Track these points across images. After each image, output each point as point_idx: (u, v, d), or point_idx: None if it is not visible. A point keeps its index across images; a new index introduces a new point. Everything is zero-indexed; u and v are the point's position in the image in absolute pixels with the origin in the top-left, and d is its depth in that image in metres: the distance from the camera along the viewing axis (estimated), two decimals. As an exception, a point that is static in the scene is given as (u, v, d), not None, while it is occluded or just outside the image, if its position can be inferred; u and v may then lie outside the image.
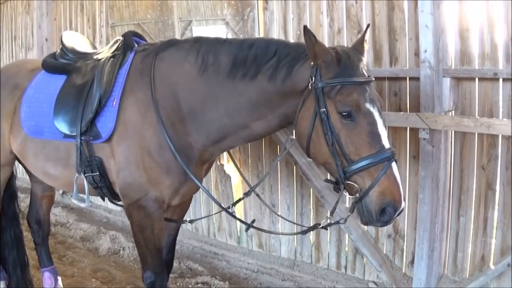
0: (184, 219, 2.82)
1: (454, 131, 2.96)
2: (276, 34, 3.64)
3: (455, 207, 3.05)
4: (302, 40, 1.98)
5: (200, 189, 2.45)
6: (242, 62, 2.18)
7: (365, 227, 3.41)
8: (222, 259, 4.06)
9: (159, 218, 2.40)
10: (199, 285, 3.64)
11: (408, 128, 3.12)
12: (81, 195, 2.54)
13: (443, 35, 2.85)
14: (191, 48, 2.34)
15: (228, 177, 4.13)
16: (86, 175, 2.43)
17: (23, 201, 4.50)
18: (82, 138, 2.38)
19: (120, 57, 2.48)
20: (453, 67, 2.91)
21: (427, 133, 2.89)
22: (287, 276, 3.72)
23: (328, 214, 2.19)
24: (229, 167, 4.12)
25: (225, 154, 3.64)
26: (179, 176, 2.33)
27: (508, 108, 2.75)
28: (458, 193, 3.03)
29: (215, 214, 4.00)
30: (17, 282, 3.19)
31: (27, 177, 3.34)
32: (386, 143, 1.93)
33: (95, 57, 2.62)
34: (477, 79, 2.85)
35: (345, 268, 3.59)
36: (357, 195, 1.93)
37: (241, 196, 2.59)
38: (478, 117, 2.79)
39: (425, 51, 2.84)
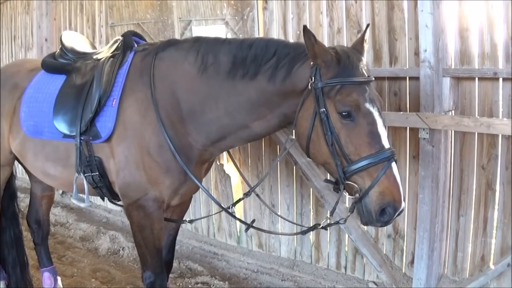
0: (183, 219, 2.82)
1: (454, 131, 2.96)
2: (275, 34, 3.64)
3: (455, 207, 3.05)
4: (302, 40, 1.98)
5: (200, 189, 2.45)
6: (242, 62, 2.17)
7: (365, 227, 3.41)
8: (222, 259, 4.06)
9: (158, 218, 2.40)
10: (199, 285, 3.64)
11: (408, 128, 3.12)
12: (81, 195, 2.53)
13: (443, 34, 2.85)
14: (191, 48, 2.34)
15: (228, 177, 4.12)
16: (85, 175, 2.43)
17: (23, 201, 4.50)
18: (82, 138, 2.38)
19: (119, 57, 2.48)
20: (453, 67, 2.90)
21: (427, 133, 2.89)
22: (287, 276, 3.72)
23: (328, 214, 2.18)
24: (229, 167, 4.12)
25: (225, 154, 3.64)
26: (179, 176, 2.32)
27: (508, 107, 2.75)
28: (458, 193, 3.03)
29: (215, 214, 4.01)
30: (17, 282, 3.19)
31: (27, 177, 3.34)
32: (386, 143, 1.93)
33: (94, 57, 2.62)
34: (477, 78, 2.85)
35: (345, 268, 3.59)
36: (357, 195, 1.93)
37: (241, 196, 2.59)
38: (478, 117, 2.79)
39: (425, 50, 2.83)
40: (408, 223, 3.24)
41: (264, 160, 3.89)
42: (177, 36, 4.09)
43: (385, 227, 3.29)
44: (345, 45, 2.63)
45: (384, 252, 3.39)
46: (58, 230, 4.81)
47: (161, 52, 2.40)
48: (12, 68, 3.01)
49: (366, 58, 2.19)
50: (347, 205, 3.28)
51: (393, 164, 1.91)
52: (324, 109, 1.95)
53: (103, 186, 2.48)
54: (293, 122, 2.11)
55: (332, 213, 2.17)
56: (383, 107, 2.10)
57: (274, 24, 3.65)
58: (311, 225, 2.52)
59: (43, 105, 2.56)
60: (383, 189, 1.87)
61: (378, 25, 3.14)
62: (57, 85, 2.58)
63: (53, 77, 2.65)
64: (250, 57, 2.16)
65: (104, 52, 2.61)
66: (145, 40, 2.70)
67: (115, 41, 2.62)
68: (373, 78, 2.05)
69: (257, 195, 2.66)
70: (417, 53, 2.96)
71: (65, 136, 2.44)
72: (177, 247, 3.43)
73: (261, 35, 3.70)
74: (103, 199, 2.66)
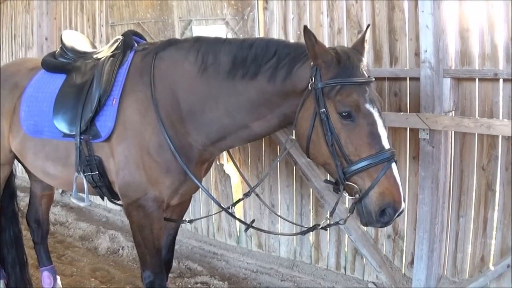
0: (183, 219, 2.82)
1: (454, 132, 2.96)
2: (276, 34, 3.63)
3: (455, 207, 3.05)
4: (302, 40, 1.98)
5: (200, 189, 2.45)
6: (242, 62, 2.17)
7: (365, 227, 3.41)
8: (222, 259, 4.06)
9: (158, 217, 2.40)
10: (198, 285, 3.64)
11: (408, 129, 3.12)
12: (81, 194, 2.53)
13: (443, 35, 2.85)
14: (191, 47, 2.33)
15: (227, 177, 4.12)
16: (85, 174, 2.43)
17: (22, 200, 4.50)
18: (82, 137, 2.38)
19: (119, 57, 2.48)
20: (453, 68, 2.90)
21: (427, 134, 2.89)
22: (286, 276, 3.72)
23: (328, 215, 2.18)
24: (229, 167, 4.12)
25: (225, 154, 3.64)
26: (179, 176, 2.32)
27: (508, 108, 2.75)
28: (458, 193, 3.03)
29: (214, 214, 4.00)
30: (16, 281, 3.19)
31: (27, 176, 3.34)
32: (386, 144, 1.93)
33: (94, 56, 2.62)
34: (477, 79, 2.84)
35: (345, 268, 3.59)
36: (357, 196, 1.93)
37: (241, 196, 2.59)
38: (478, 118, 2.79)
39: (425, 51, 2.83)
40: (408, 223, 3.24)
41: (264, 160, 3.89)
42: (177, 36, 4.08)
43: (385, 228, 3.29)
44: (346, 46, 2.63)
45: (384, 253, 3.39)
46: (58, 229, 4.81)
47: (161, 52, 2.40)
48: (12, 67, 3.01)
49: (367, 59, 2.18)
50: (347, 205, 3.28)
51: (393, 165, 1.91)
52: (324, 110, 1.95)
53: (103, 186, 2.48)
54: (293, 123, 2.10)
55: (332, 214, 2.17)
56: (383, 107, 2.10)
57: (274, 24, 3.65)
58: (311, 226, 2.51)
59: (43, 104, 2.56)
60: (383, 190, 1.87)
61: (379, 25, 3.13)
62: (57, 84, 2.58)
63: (53, 76, 2.65)
64: (250, 57, 2.16)
65: (104, 51, 2.61)
66: (145, 40, 2.70)
67: (115, 41, 2.61)
68: (373, 79, 2.05)
69: (257, 195, 2.66)
70: (417, 54, 2.96)
71: (65, 135, 2.44)
72: (176, 247, 3.43)
73: (262, 35, 3.70)
74: (102, 199, 2.66)
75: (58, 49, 2.77)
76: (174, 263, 3.74)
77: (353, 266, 3.54)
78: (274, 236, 3.91)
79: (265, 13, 3.70)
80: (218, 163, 4.12)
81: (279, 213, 3.69)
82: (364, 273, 3.49)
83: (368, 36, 2.13)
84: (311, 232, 2.76)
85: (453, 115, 2.92)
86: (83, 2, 5.20)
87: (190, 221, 2.71)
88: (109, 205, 5.03)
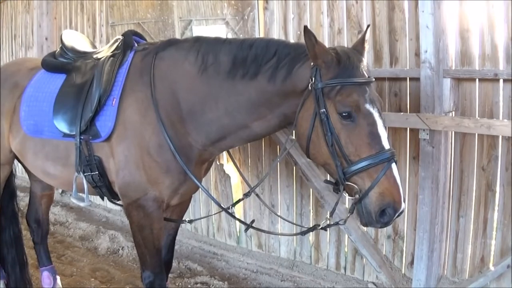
0: (183, 219, 2.82)
1: (454, 132, 2.96)
2: (276, 34, 3.63)
3: (455, 208, 3.05)
4: (302, 40, 1.97)
5: (200, 189, 2.44)
6: (242, 62, 2.17)
7: (365, 228, 3.41)
8: (221, 259, 4.06)
9: (158, 217, 2.40)
10: (198, 285, 3.64)
11: (408, 129, 3.12)
12: (81, 194, 2.53)
13: (443, 35, 2.85)
14: (191, 47, 2.33)
15: (227, 177, 4.12)
16: (85, 174, 2.43)
17: (22, 200, 4.50)
18: (82, 137, 2.38)
19: (120, 57, 2.48)
20: (453, 68, 2.90)
21: (427, 134, 2.89)
22: (286, 276, 3.71)
23: (328, 215, 2.18)
24: (229, 167, 4.12)
25: (225, 154, 3.64)
26: (179, 176, 2.32)
27: (508, 109, 2.74)
28: (458, 194, 3.02)
29: (214, 214, 4.00)
30: (16, 281, 3.18)
31: (27, 176, 3.34)
32: (386, 144, 1.93)
33: (94, 56, 2.62)
34: (477, 79, 2.84)
35: (345, 268, 3.59)
36: (357, 196, 1.93)
37: (241, 196, 2.59)
38: (478, 118, 2.79)
39: (426, 51, 2.83)
40: (408, 224, 3.24)
41: (264, 160, 3.89)
42: (177, 36, 4.08)
43: (385, 228, 3.29)
44: (346, 46, 2.63)
45: (384, 253, 3.39)
46: (58, 229, 4.81)
47: (161, 52, 2.40)
48: (12, 67, 3.01)
49: (367, 59, 2.19)
50: (347, 206, 3.28)
51: (393, 165, 1.91)
52: (324, 110, 1.95)
53: (103, 186, 2.48)
54: (293, 123, 2.10)
55: (331, 214, 2.17)
56: (383, 107, 2.10)
57: (274, 24, 3.65)
58: (311, 226, 2.51)
59: (43, 104, 2.56)
60: (383, 190, 1.87)
61: (379, 25, 3.13)
62: (57, 84, 2.58)
63: (53, 76, 2.65)
64: (250, 57, 2.16)
65: (104, 51, 2.61)
66: (145, 40, 2.70)
67: (116, 41, 2.61)
68: (374, 79, 2.05)
69: (257, 195, 2.66)
70: (417, 54, 2.96)
71: (65, 135, 2.44)
72: (176, 247, 3.43)
73: (262, 35, 3.70)
74: (102, 199, 2.66)
75: (58, 49, 2.77)
76: (174, 263, 3.74)
77: (353, 266, 3.54)
78: (274, 236, 3.91)
79: (265, 13, 3.70)
80: (218, 163, 4.12)
81: (279, 213, 3.69)
82: (364, 273, 3.49)
83: (368, 36, 2.13)
84: (311, 232, 2.76)
85: (453, 115, 2.92)
86: (83, 2, 5.20)
87: (190, 221, 2.71)
88: (109, 205, 5.03)
